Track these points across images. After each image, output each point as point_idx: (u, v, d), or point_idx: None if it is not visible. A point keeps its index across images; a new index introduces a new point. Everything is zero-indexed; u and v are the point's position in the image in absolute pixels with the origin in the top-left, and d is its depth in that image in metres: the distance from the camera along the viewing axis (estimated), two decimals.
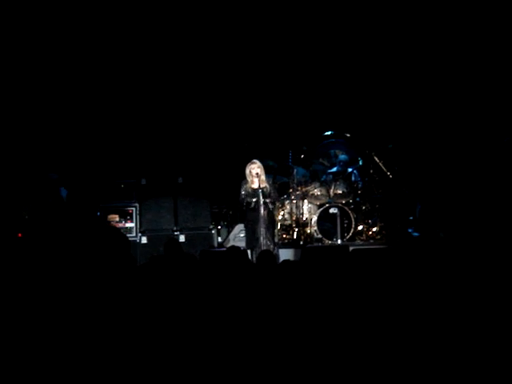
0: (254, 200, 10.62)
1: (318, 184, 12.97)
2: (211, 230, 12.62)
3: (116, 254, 4.85)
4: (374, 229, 12.87)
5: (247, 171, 10.82)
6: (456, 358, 4.49)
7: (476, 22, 12.81)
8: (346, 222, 12.57)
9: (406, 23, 13.29)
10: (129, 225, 12.49)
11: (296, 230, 12.70)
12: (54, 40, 13.02)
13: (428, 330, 4.79)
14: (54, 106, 13.37)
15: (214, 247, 12.32)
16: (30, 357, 4.25)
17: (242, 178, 10.94)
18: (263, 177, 10.78)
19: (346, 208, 12.59)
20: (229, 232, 12.97)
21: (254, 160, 10.89)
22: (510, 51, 12.65)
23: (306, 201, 12.93)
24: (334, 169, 13.45)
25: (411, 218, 13.01)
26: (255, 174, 10.69)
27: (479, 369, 4.41)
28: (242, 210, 11.41)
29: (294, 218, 12.80)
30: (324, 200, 12.87)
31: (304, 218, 12.85)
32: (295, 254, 11.76)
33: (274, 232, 11.15)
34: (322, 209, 12.65)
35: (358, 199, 13.05)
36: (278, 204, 12.37)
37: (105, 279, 4.68)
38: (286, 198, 12.93)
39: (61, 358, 4.22)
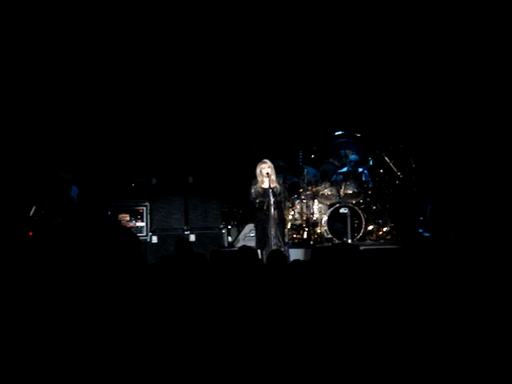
0: (265, 200, 10.61)
1: (328, 184, 12.96)
2: (221, 229, 12.63)
3: (127, 254, 4.86)
4: (385, 229, 12.84)
5: (258, 171, 10.82)
6: (465, 357, 4.48)
7: (490, 18, 12.78)
8: (357, 221, 12.55)
9: (418, 22, 13.26)
10: (139, 224, 12.51)
11: (306, 229, 12.68)
12: (64, 41, 13.04)
13: (438, 331, 4.78)
14: (66, 105, 13.40)
15: (224, 247, 12.33)
16: (40, 351, 4.26)
17: (252, 177, 10.93)
18: (273, 177, 10.77)
19: (356, 208, 12.57)
20: (239, 232, 12.97)
21: (265, 160, 10.88)
22: None
23: (316, 201, 12.91)
24: (345, 169, 13.44)
25: (422, 218, 12.98)
26: (265, 174, 10.68)
27: (490, 370, 4.40)
28: (252, 210, 11.41)
29: (304, 218, 12.78)
30: (334, 200, 12.86)
31: (314, 218, 12.84)
32: (305, 254, 11.74)
33: (284, 232, 11.14)
34: (332, 209, 12.63)
35: (368, 199, 13.03)
36: (288, 204, 12.37)
37: (115, 278, 4.69)
38: (297, 198, 12.92)
39: (71, 354, 4.23)
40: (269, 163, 10.79)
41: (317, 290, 5.60)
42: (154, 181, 12.95)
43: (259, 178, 10.79)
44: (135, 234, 5.46)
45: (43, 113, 13.20)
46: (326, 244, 12.35)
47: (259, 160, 10.96)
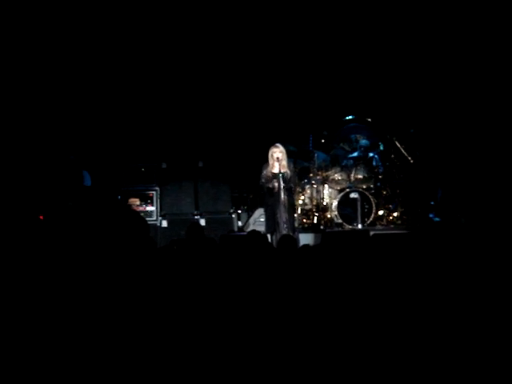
0: (275, 184, 10.59)
1: (338, 169, 12.94)
2: (231, 214, 12.64)
3: (134, 237, 4.86)
4: (395, 214, 12.83)
5: (269, 154, 10.79)
6: (475, 346, 4.47)
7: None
8: (367, 206, 12.53)
9: (428, 9, 13.20)
10: (149, 208, 12.53)
11: (316, 214, 12.67)
12: (75, 32, 13.06)
13: (448, 318, 4.77)
14: (77, 90, 13.40)
15: (234, 231, 12.34)
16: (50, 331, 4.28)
17: (263, 162, 10.91)
18: (284, 162, 10.74)
19: (366, 193, 12.55)
20: (249, 216, 12.97)
21: (277, 144, 10.84)
22: None
23: (326, 185, 12.90)
24: (355, 153, 13.40)
25: (432, 203, 12.96)
26: (276, 158, 10.67)
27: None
28: (262, 195, 11.41)
29: (314, 203, 12.77)
30: (344, 185, 12.84)
31: (324, 203, 12.83)
32: (315, 239, 11.75)
33: (294, 216, 11.13)
34: (342, 193, 12.62)
35: (378, 184, 13.00)
36: (298, 189, 12.36)
37: (123, 261, 4.69)
38: (307, 183, 12.91)
39: (80, 338, 4.24)
40: (280, 148, 10.75)
41: (327, 275, 5.60)
42: (164, 165, 12.96)
43: (270, 162, 10.78)
44: (143, 218, 5.46)
45: (54, 97, 13.21)
46: (336, 229, 12.36)
47: (270, 144, 10.94)
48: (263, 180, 10.80)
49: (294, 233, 10.70)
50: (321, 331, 4.61)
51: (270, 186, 10.68)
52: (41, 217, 10.98)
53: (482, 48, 13.01)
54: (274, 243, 10.16)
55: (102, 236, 4.89)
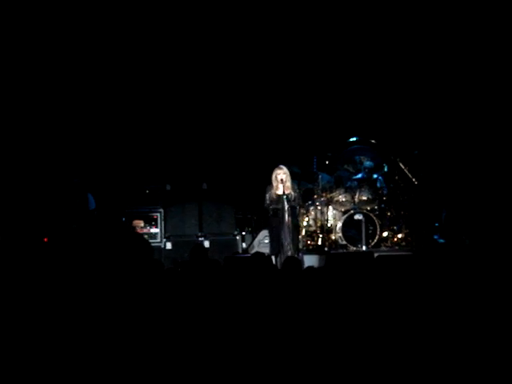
0: (279, 206, 10.59)
1: (342, 190, 12.93)
2: (236, 235, 12.64)
3: (138, 259, 4.87)
4: (400, 235, 12.80)
5: (273, 176, 10.80)
6: (479, 363, 4.46)
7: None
8: (371, 228, 12.50)
9: (436, 30, 13.24)
10: (153, 230, 12.54)
11: (320, 236, 12.65)
12: (69, 48, 13.10)
13: (453, 338, 4.76)
14: (81, 112, 13.44)
15: (238, 253, 12.33)
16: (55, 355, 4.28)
17: (267, 183, 10.92)
18: (288, 183, 10.75)
19: (370, 214, 12.53)
20: (253, 238, 12.96)
21: (281, 165, 10.86)
22: None
23: (330, 207, 12.89)
24: (359, 175, 13.38)
25: (437, 224, 12.93)
26: (280, 180, 10.68)
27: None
28: (266, 216, 11.40)
29: (318, 224, 12.76)
30: (349, 206, 12.83)
31: (329, 225, 12.81)
32: (319, 261, 11.71)
33: (298, 238, 11.12)
34: (346, 215, 12.60)
35: (383, 205, 12.98)
36: (302, 210, 12.35)
37: (128, 283, 4.70)
38: (311, 204, 12.90)
39: (90, 358, 4.24)
40: (284, 169, 10.77)
41: (331, 297, 5.59)
42: (169, 187, 12.97)
43: (274, 184, 10.79)
44: (147, 241, 5.47)
45: (58, 119, 13.25)
46: (340, 250, 12.33)
47: (274, 166, 10.94)
48: (267, 202, 10.80)
49: (298, 254, 10.69)
50: (325, 353, 4.60)
51: (274, 207, 10.68)
52: (45, 239, 11.01)
53: (486, 71, 13.05)
54: (279, 265, 10.15)
55: (107, 258, 4.90)
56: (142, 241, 5.08)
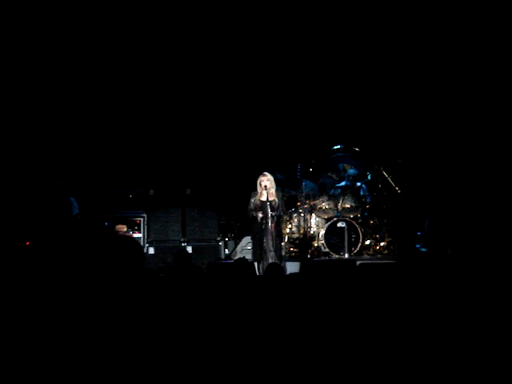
0: (261, 215, 10.60)
1: (326, 198, 12.96)
2: (218, 241, 12.64)
3: (130, 263, 4.83)
4: (382, 243, 12.85)
5: (258, 182, 10.81)
6: (467, 374, 4.48)
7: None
8: (354, 236, 12.54)
9: (420, 38, 13.30)
10: (136, 235, 12.52)
11: (304, 243, 12.67)
12: (59, 47, 13.05)
13: (435, 346, 4.78)
14: (64, 116, 13.41)
15: (221, 259, 12.32)
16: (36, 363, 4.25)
17: (250, 190, 10.92)
18: (272, 190, 10.75)
19: (353, 222, 12.57)
20: (236, 244, 12.96)
21: (265, 172, 10.86)
22: None
23: (313, 214, 12.93)
24: (343, 183, 13.44)
25: (419, 233, 12.98)
26: (264, 187, 10.68)
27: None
28: (249, 223, 11.40)
29: (301, 232, 12.78)
30: (332, 214, 12.86)
31: (311, 232, 12.84)
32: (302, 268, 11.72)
33: (281, 245, 11.13)
34: (329, 223, 12.64)
35: (366, 214, 13.03)
36: (285, 217, 12.36)
37: (118, 287, 4.67)
38: (294, 212, 12.93)
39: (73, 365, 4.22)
40: (268, 176, 10.77)
41: (313, 304, 5.60)
42: (152, 192, 12.96)
43: (258, 190, 10.79)
44: (139, 243, 5.43)
45: (42, 123, 13.21)
46: (323, 258, 12.36)
47: (258, 173, 10.95)
48: (251, 207, 10.80)
49: (281, 261, 10.69)
50: (306, 360, 4.60)
51: (256, 215, 10.68)
52: (27, 243, 10.96)
53: (468, 83, 13.13)
54: (261, 271, 10.15)
55: (92, 262, 4.88)
56: (134, 244, 5.01)
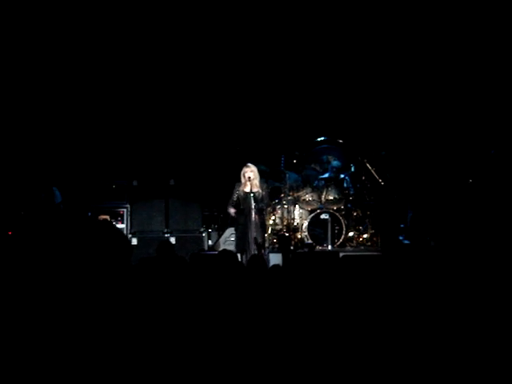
0: (233, 210, 10.66)
1: (309, 189, 12.98)
2: (202, 232, 12.63)
3: (116, 255, 4.81)
4: (365, 235, 12.89)
5: (241, 174, 10.81)
6: (448, 366, 4.49)
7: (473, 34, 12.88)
8: (337, 228, 12.57)
9: (399, 34, 13.33)
10: (119, 226, 12.48)
11: (287, 234, 12.68)
12: (51, 41, 13.01)
13: (417, 338, 4.80)
14: (49, 106, 13.35)
15: (204, 250, 12.32)
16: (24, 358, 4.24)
17: (235, 181, 10.93)
18: (256, 181, 10.76)
19: (337, 214, 12.59)
20: (219, 235, 12.96)
21: (249, 164, 10.87)
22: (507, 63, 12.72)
23: (297, 206, 12.94)
24: (326, 175, 13.45)
25: (402, 225, 13.03)
26: (248, 178, 10.69)
27: (471, 376, 4.42)
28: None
29: (285, 223, 12.80)
30: (315, 205, 12.88)
31: (295, 223, 12.86)
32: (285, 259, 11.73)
33: (264, 236, 11.14)
34: (313, 214, 12.65)
35: (349, 205, 13.06)
36: (269, 209, 12.37)
37: (102, 279, 4.66)
38: (278, 203, 12.94)
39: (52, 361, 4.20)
40: (252, 167, 10.78)
41: (296, 295, 5.61)
42: (135, 183, 12.92)
43: (242, 181, 10.80)
44: (125, 235, 5.41)
45: (25, 112, 13.14)
46: (305, 249, 12.37)
47: (242, 165, 10.95)
48: (234, 198, 10.81)
49: (264, 252, 10.70)
50: (290, 352, 4.61)
51: (231, 210, 10.73)
52: (9, 232, 10.91)
53: (453, 76, 13.17)
54: (244, 262, 10.16)
55: (78, 251, 4.85)
56: (120, 236, 4.98)
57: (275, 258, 11.50)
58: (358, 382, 4.41)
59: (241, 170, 10.85)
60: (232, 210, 10.78)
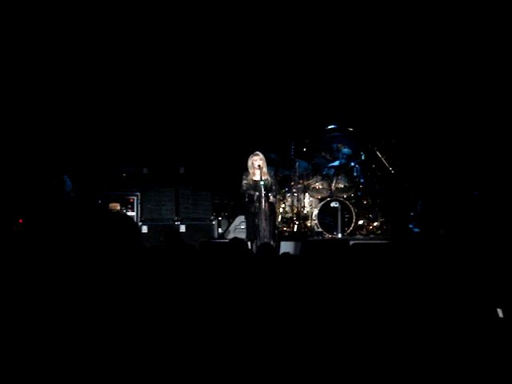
0: (256, 193, 10.60)
1: (319, 177, 12.96)
2: (212, 220, 12.63)
3: (126, 241, 4.80)
4: (375, 224, 12.87)
5: (249, 163, 10.80)
6: (455, 355, 4.50)
7: (478, 19, 12.83)
8: (347, 216, 12.55)
9: (410, 19, 13.28)
10: (130, 214, 12.50)
11: (297, 223, 12.69)
12: (51, 36, 13.02)
13: (427, 326, 4.80)
14: (60, 95, 13.37)
15: (214, 238, 12.33)
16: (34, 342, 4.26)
17: (244, 169, 10.92)
18: (265, 169, 10.76)
19: (347, 202, 12.58)
20: (229, 223, 12.96)
21: (257, 152, 10.86)
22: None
23: (307, 194, 12.93)
24: (336, 163, 13.44)
25: (412, 213, 13.01)
26: (257, 166, 10.68)
27: (478, 367, 4.42)
28: (242, 202, 11.40)
29: (294, 211, 12.80)
30: (325, 194, 12.87)
31: (305, 212, 12.86)
32: (295, 247, 11.75)
33: (274, 224, 11.14)
34: (323, 202, 12.65)
35: (359, 194, 13.04)
36: (279, 197, 12.36)
37: (112, 264, 4.66)
38: (288, 191, 12.93)
39: (64, 344, 4.22)
40: (261, 155, 10.77)
41: (306, 283, 5.62)
42: (146, 171, 12.94)
43: (251, 170, 10.78)
44: (134, 222, 5.41)
45: (34, 102, 13.16)
46: (316, 237, 12.37)
47: (251, 152, 10.95)
48: (244, 187, 10.80)
49: (274, 241, 10.71)
50: (300, 340, 4.62)
51: (251, 193, 10.69)
52: (20, 220, 10.95)
53: (463, 64, 13.13)
54: (255, 250, 10.17)
55: (86, 240, 4.86)
56: (130, 223, 4.98)
57: (285, 246, 11.52)
58: (368, 366, 4.42)
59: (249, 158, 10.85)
60: (257, 193, 10.64)
